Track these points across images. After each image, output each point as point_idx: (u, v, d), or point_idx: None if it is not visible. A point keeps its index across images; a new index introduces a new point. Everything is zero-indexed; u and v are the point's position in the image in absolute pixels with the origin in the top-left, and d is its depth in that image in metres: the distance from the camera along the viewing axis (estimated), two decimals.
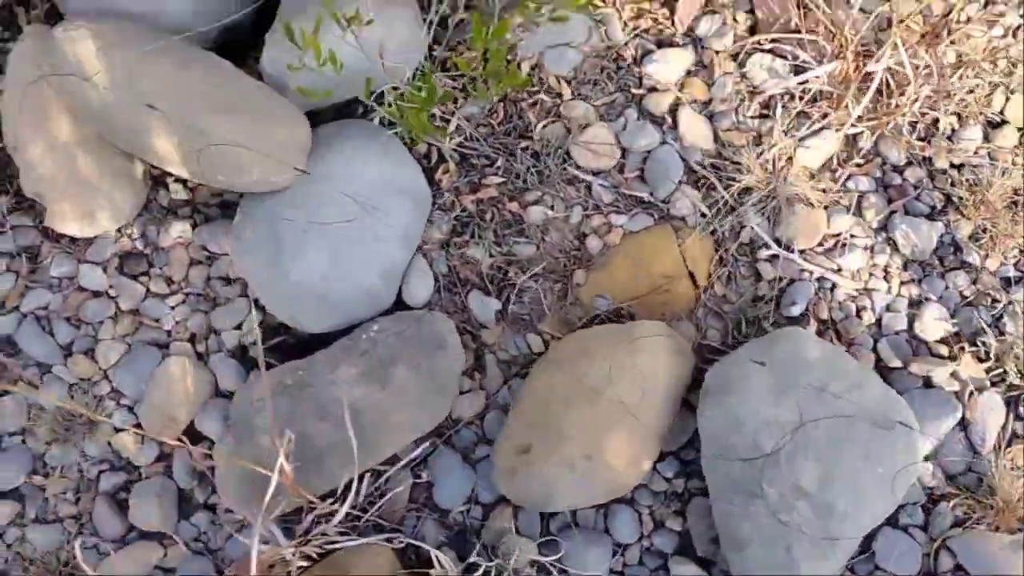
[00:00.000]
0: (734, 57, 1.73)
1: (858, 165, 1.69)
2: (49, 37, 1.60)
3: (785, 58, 1.71)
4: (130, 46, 1.51)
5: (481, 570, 1.40)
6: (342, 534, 1.41)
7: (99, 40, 1.47)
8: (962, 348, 1.56)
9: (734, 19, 1.77)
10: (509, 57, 1.66)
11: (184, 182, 1.70)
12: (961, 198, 1.65)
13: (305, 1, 1.58)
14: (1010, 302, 1.60)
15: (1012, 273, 1.62)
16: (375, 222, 1.54)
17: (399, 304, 1.61)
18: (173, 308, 1.64)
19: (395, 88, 1.56)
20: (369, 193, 1.56)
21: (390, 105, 1.57)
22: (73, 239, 1.66)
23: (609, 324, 1.57)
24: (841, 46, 1.64)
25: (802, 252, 1.63)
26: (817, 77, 1.65)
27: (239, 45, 1.69)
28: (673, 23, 1.77)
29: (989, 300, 1.61)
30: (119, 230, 1.67)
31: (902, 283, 1.62)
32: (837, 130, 1.67)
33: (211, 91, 1.49)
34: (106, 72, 1.47)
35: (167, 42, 1.48)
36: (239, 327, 1.63)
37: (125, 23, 1.58)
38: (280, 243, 1.52)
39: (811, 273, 1.63)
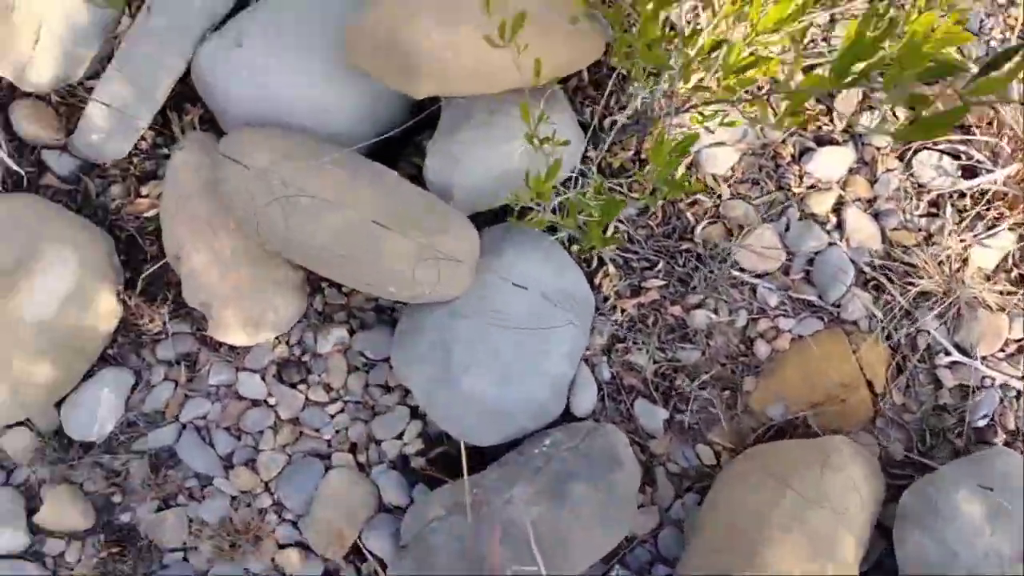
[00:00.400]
0: (899, 156, 1.69)
1: None
2: (211, 145, 1.61)
3: (954, 156, 1.66)
4: (299, 156, 1.50)
5: None
6: None
7: (268, 150, 1.46)
8: None
9: (894, 114, 1.73)
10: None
11: (339, 286, 1.68)
12: None
13: (466, 112, 1.57)
14: None
15: None
16: (544, 330, 1.51)
17: (565, 413, 1.57)
18: (333, 417, 1.61)
19: (557, 190, 1.54)
20: (537, 301, 1.53)
21: (555, 212, 1.55)
22: (231, 347, 1.64)
23: (792, 440, 1.51)
24: (1018, 146, 1.59)
25: (984, 359, 1.56)
26: (994, 180, 1.59)
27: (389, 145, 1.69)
28: (831, 119, 1.73)
29: None
30: (277, 337, 1.64)
31: None
32: (1011, 230, 1.61)
33: (382, 202, 1.48)
34: (278, 183, 1.46)
35: (341, 152, 1.48)
36: (400, 436, 1.59)
37: (290, 133, 1.58)
38: (449, 354, 1.49)
39: (993, 380, 1.55)
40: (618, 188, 1.63)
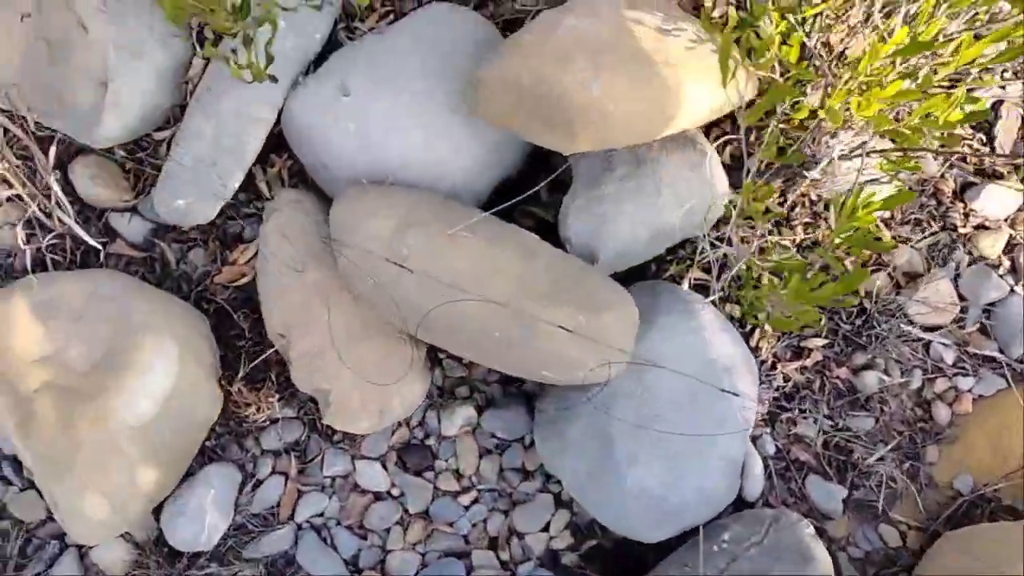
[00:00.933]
0: None
1: None
2: (309, 204, 1.42)
3: None
4: (424, 220, 1.31)
5: None
6: None
7: (389, 215, 1.28)
8: None
9: None
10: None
11: (459, 358, 1.49)
12: None
13: (605, 163, 1.39)
14: None
15: None
16: (712, 410, 1.34)
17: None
18: (467, 508, 1.43)
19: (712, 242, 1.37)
20: (700, 374, 1.35)
21: (730, 284, 1.37)
22: (345, 432, 1.45)
23: (998, 525, 1.35)
24: None
25: None
26: None
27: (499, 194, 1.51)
28: (993, 149, 1.56)
29: None
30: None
31: None
32: None
33: (528, 274, 1.29)
34: (404, 251, 1.27)
35: (473, 216, 1.29)
36: (546, 528, 1.42)
37: (408, 191, 1.39)
38: (610, 443, 1.32)
39: None
40: (774, 238, 1.45)
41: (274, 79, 1.24)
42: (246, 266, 1.54)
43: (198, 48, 1.43)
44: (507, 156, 1.47)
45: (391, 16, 1.50)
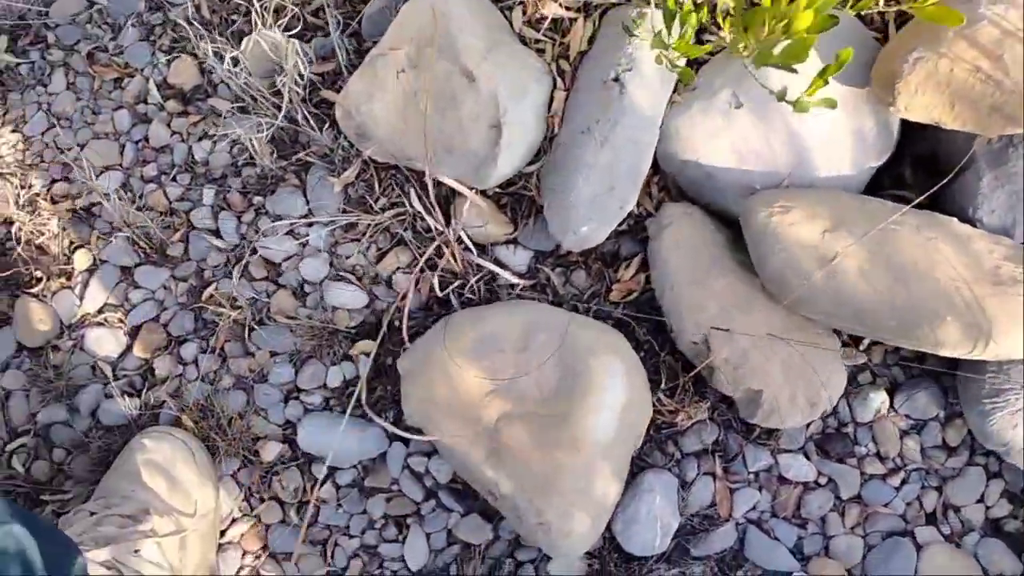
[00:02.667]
0: None
1: None
2: (699, 217, 1.50)
3: None
4: (848, 217, 1.37)
5: None
6: None
7: (813, 216, 1.38)
8: None
9: None
10: None
11: (856, 343, 1.54)
12: None
13: (1006, 141, 1.41)
14: None
15: None
16: None
17: None
18: (898, 489, 1.48)
19: None
20: None
21: None
22: (763, 429, 1.52)
23: None
24: None
25: None
26: None
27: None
28: None
29: None
30: None
31: None
32: None
33: (968, 257, 1.33)
34: (837, 249, 1.33)
35: (897, 210, 1.34)
36: (980, 500, 1.46)
37: (817, 192, 1.44)
38: None
39: None
40: None
41: (833, 104, 1.15)
42: (632, 281, 1.61)
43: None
44: (884, 144, 1.51)
45: None
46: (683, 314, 1.49)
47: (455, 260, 1.52)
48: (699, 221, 1.53)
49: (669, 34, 1.26)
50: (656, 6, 1.35)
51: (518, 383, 1.44)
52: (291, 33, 1.56)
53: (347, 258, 1.61)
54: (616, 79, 1.48)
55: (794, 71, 1.03)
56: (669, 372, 1.53)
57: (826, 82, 1.05)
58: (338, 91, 1.62)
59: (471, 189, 1.54)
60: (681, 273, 1.48)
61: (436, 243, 1.54)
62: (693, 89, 1.50)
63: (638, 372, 1.46)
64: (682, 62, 1.38)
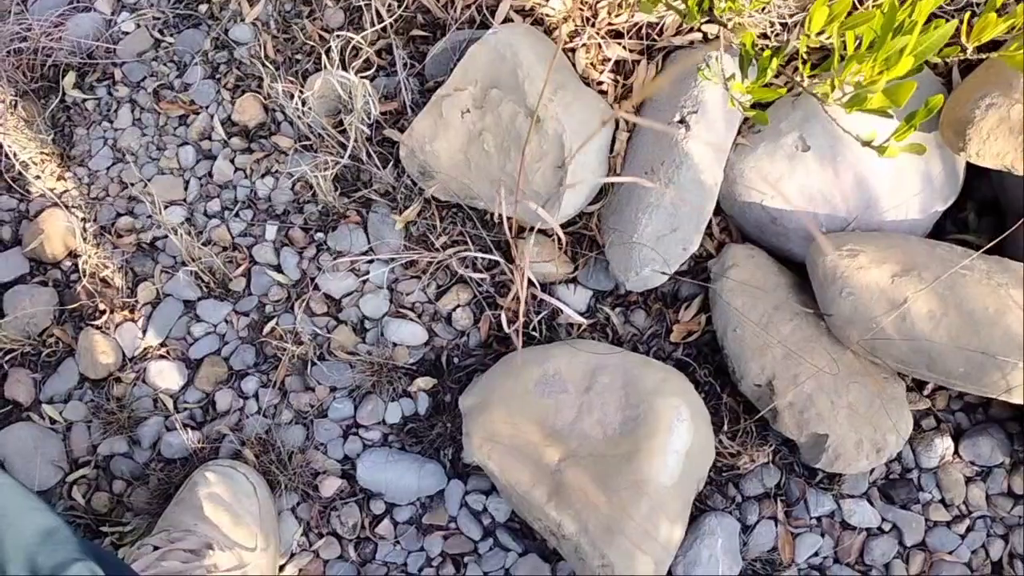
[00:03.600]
0: None
1: None
2: (760, 259, 1.50)
3: None
4: (917, 261, 1.36)
5: None
6: None
7: (881, 260, 1.37)
8: None
9: None
10: None
11: (919, 388, 1.53)
12: None
13: None
14: None
15: None
16: None
17: None
18: (963, 537, 1.46)
19: None
20: None
21: None
22: (826, 473, 1.50)
23: None
24: None
25: None
26: None
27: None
28: None
29: None
30: None
31: None
32: None
33: None
34: (907, 295, 1.32)
35: (974, 255, 1.34)
36: None
37: (883, 234, 1.44)
38: None
39: None
40: None
41: (922, 150, 1.13)
42: (692, 323, 1.61)
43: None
44: (951, 189, 1.51)
45: None
46: (747, 356, 1.49)
47: (519, 298, 1.52)
48: (763, 263, 1.53)
49: (744, 77, 1.27)
50: (728, 49, 1.36)
51: (581, 423, 1.44)
52: (357, 72, 1.59)
53: (407, 295, 1.62)
54: (682, 121, 1.49)
55: (890, 116, 1.04)
56: (731, 414, 1.53)
57: (914, 128, 1.06)
58: (401, 130, 1.64)
59: (533, 229, 1.55)
60: (745, 315, 1.48)
61: (499, 280, 1.54)
62: (758, 132, 1.51)
63: (702, 414, 1.46)
64: (749, 105, 1.40)
